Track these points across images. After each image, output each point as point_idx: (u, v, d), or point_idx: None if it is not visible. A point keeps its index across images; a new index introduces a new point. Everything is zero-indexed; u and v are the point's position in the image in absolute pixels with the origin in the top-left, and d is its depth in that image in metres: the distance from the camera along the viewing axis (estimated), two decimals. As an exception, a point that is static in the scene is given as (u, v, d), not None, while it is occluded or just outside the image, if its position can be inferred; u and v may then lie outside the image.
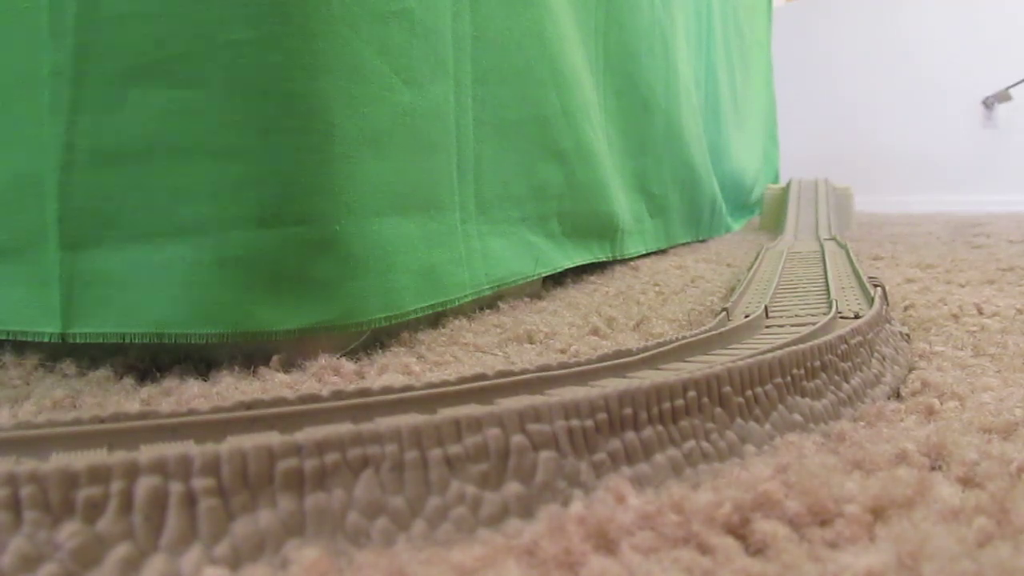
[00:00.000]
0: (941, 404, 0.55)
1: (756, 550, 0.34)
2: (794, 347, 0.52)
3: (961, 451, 0.43)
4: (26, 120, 0.69)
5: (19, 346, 0.72)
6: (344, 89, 0.70)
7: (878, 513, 0.37)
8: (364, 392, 0.45)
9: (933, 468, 0.43)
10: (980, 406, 0.53)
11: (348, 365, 0.68)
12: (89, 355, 0.71)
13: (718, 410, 0.45)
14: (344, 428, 0.35)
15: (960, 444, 0.44)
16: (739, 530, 0.35)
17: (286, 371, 0.68)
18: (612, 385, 0.47)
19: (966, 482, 0.41)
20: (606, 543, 0.34)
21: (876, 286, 0.83)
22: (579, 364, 0.54)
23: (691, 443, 0.43)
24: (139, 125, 0.67)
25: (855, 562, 0.31)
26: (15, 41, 0.70)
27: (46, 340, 0.69)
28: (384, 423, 0.35)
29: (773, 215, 2.56)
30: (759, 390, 0.48)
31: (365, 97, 0.73)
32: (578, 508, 0.36)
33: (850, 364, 0.57)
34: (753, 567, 0.32)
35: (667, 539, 0.34)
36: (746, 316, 0.74)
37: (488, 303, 0.98)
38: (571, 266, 1.20)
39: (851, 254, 1.23)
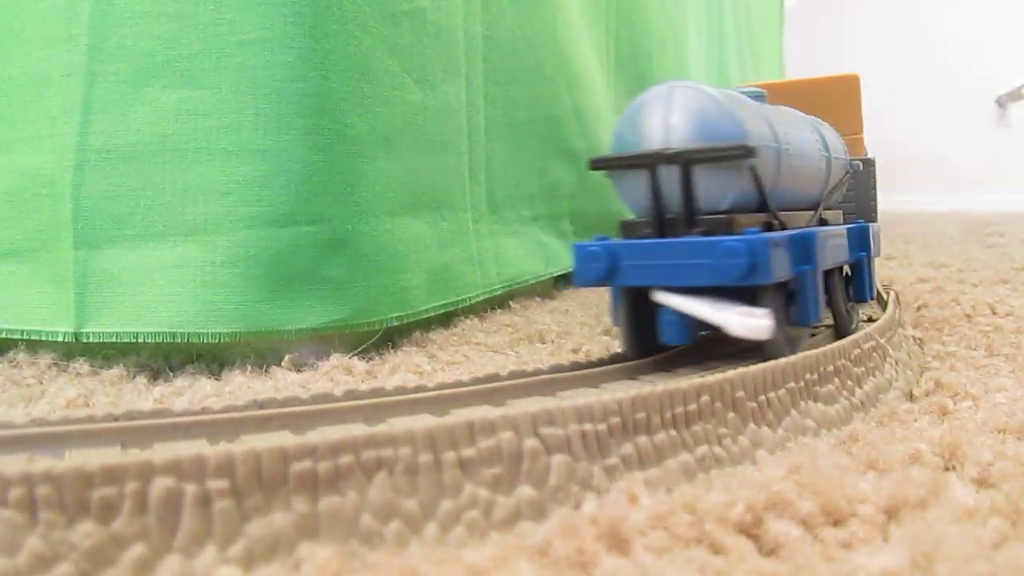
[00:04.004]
0: (955, 404, 0.54)
1: (769, 550, 0.34)
2: (807, 352, 0.52)
3: (975, 451, 0.43)
4: (40, 120, 0.70)
5: (32, 345, 0.72)
6: (356, 88, 0.70)
7: (892, 513, 0.37)
8: (377, 392, 0.46)
9: (947, 468, 0.43)
10: (994, 406, 0.53)
11: (360, 365, 0.68)
12: (102, 354, 0.71)
13: (731, 415, 0.45)
14: (358, 430, 0.35)
15: (974, 444, 0.44)
16: (752, 530, 0.35)
17: (298, 371, 0.68)
18: (625, 389, 0.47)
19: (980, 482, 0.41)
20: (619, 543, 0.34)
21: (888, 290, 0.83)
22: (591, 365, 0.54)
23: (704, 448, 0.43)
24: (152, 125, 0.67)
25: (869, 562, 0.31)
26: (30, 42, 0.70)
27: (60, 339, 0.69)
28: (397, 425, 0.35)
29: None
30: (772, 395, 0.48)
31: (376, 96, 0.73)
32: (591, 508, 0.36)
33: (863, 369, 0.57)
34: (766, 567, 0.32)
35: (680, 539, 0.34)
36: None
37: (499, 303, 0.98)
38: (582, 265, 1.20)
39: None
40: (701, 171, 0.53)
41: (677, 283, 0.52)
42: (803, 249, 0.55)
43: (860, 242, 0.68)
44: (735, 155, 0.52)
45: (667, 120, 0.54)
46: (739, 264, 0.49)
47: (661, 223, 0.55)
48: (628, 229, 0.57)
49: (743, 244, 0.49)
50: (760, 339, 0.50)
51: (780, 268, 0.51)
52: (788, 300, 0.54)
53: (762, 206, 0.56)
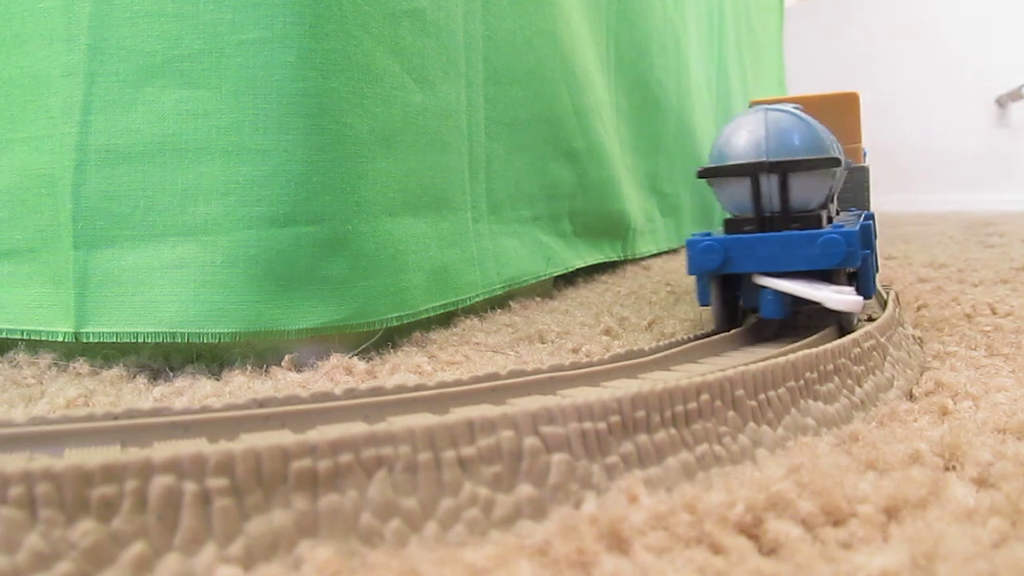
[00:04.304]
0: (955, 404, 0.54)
1: (769, 550, 0.34)
2: (807, 350, 0.52)
3: (975, 451, 0.43)
4: (40, 120, 0.70)
5: (33, 345, 0.72)
6: (356, 88, 0.70)
7: (892, 513, 0.37)
8: (377, 391, 0.45)
9: (947, 468, 0.43)
10: (994, 406, 0.53)
11: (360, 364, 0.68)
12: (102, 354, 0.71)
13: (731, 413, 0.45)
14: (358, 428, 0.35)
15: (974, 444, 0.44)
16: (752, 530, 0.35)
17: (298, 371, 0.68)
18: (625, 387, 0.47)
19: (980, 482, 0.41)
20: (619, 543, 0.34)
21: (887, 290, 0.83)
22: (591, 364, 0.54)
23: (704, 446, 0.43)
24: (151, 125, 0.67)
25: (869, 562, 0.31)
26: (30, 42, 0.70)
27: (60, 339, 0.69)
28: (397, 424, 0.35)
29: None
30: (772, 393, 0.48)
31: (376, 96, 0.73)
32: (591, 508, 0.35)
33: (863, 368, 0.57)
34: (766, 567, 0.32)
35: (680, 539, 0.34)
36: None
37: (499, 303, 0.98)
38: (583, 266, 1.20)
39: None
40: (796, 178, 0.65)
41: (783, 269, 0.64)
42: (865, 237, 0.66)
43: None
44: (828, 164, 0.65)
45: (765, 136, 0.66)
46: (839, 252, 0.62)
47: (762, 220, 0.67)
48: (732, 226, 0.68)
49: (842, 236, 0.62)
50: (853, 311, 0.60)
51: (860, 254, 0.64)
52: (850, 279, 0.66)
53: (826, 203, 0.68)
